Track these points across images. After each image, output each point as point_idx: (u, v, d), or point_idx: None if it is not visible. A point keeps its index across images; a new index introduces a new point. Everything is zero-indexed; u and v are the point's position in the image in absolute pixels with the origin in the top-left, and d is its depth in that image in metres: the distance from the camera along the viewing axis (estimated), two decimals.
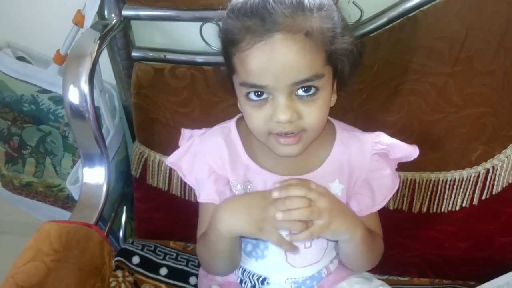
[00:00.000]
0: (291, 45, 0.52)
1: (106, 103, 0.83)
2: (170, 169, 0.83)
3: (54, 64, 0.85)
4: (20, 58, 0.88)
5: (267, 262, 0.66)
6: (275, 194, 0.56)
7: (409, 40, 0.70)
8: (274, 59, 0.52)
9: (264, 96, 0.56)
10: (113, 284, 0.73)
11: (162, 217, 0.87)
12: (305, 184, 0.57)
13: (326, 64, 0.56)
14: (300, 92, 0.55)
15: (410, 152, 0.65)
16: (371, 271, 0.73)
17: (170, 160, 0.70)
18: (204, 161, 0.67)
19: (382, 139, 0.66)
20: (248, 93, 0.57)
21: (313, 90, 0.55)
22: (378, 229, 0.69)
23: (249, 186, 0.66)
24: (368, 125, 0.71)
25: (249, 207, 0.58)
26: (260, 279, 0.67)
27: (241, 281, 0.69)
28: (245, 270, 0.68)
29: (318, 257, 0.67)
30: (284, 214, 0.55)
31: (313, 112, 0.56)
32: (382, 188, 0.66)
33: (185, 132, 0.71)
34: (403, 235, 0.82)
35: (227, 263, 0.66)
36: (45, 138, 0.93)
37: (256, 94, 0.56)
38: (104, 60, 0.79)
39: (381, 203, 0.66)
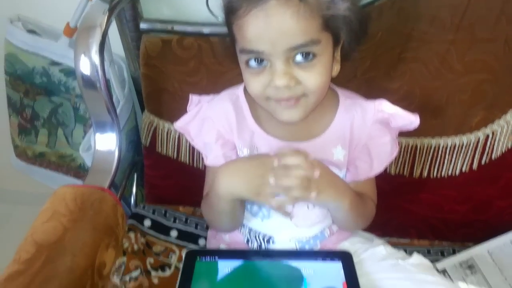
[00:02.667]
0: (285, 11, 0.53)
1: (116, 74, 0.85)
2: (179, 137, 0.86)
3: (64, 37, 0.87)
4: (31, 31, 0.90)
5: (272, 221, 0.69)
6: (275, 162, 0.58)
7: (411, 9, 0.71)
8: (269, 25, 0.54)
9: (263, 63, 0.58)
10: (126, 245, 0.76)
11: (171, 184, 0.91)
12: (300, 154, 0.58)
13: (323, 30, 0.56)
14: (298, 58, 0.56)
15: (411, 121, 0.67)
16: (371, 233, 0.77)
17: (179, 125, 0.72)
18: (212, 126, 0.70)
19: (384, 107, 0.67)
20: (247, 61, 0.58)
21: (310, 56, 0.56)
22: (373, 194, 0.71)
23: (255, 151, 0.68)
24: (371, 92, 0.73)
25: (248, 172, 0.61)
26: (266, 238, 0.71)
27: (247, 241, 0.72)
28: (251, 230, 0.72)
29: (321, 217, 0.70)
30: (276, 180, 0.57)
31: (311, 77, 0.57)
32: (381, 155, 0.68)
33: (194, 98, 0.73)
34: (404, 199, 0.85)
35: (229, 221, 0.69)
36: (57, 109, 0.95)
37: (255, 61, 0.58)
38: (113, 32, 0.81)
39: (378, 169, 0.69)
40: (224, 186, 0.62)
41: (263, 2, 0.54)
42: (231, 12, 0.58)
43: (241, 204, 0.67)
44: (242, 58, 0.59)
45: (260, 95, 0.60)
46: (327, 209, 0.70)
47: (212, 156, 0.70)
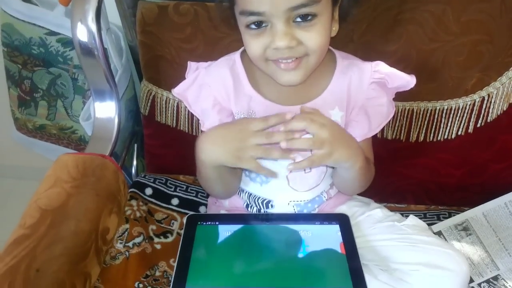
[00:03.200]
0: None
1: (113, 43, 0.85)
2: (178, 105, 0.86)
3: (60, 6, 0.85)
4: (26, 1, 0.89)
5: (271, 186, 0.70)
6: (281, 128, 0.59)
7: None
8: None
9: (264, 25, 0.58)
10: (129, 212, 0.78)
11: (172, 153, 0.91)
12: (306, 117, 0.59)
13: None
14: (298, 19, 0.56)
15: (408, 81, 0.68)
16: (369, 197, 0.78)
17: (177, 91, 0.73)
18: (210, 92, 0.70)
19: (381, 68, 0.68)
20: (248, 23, 0.58)
21: (310, 16, 0.56)
22: (370, 155, 0.72)
23: (253, 117, 0.69)
24: (368, 55, 0.72)
25: (227, 138, 0.62)
26: (265, 202, 0.72)
27: (247, 205, 0.74)
28: (250, 194, 0.73)
29: (318, 181, 0.71)
30: (288, 142, 0.58)
31: (312, 37, 0.58)
32: (378, 115, 0.69)
33: (192, 65, 0.73)
34: (400, 164, 0.86)
35: (221, 187, 0.70)
36: (55, 80, 0.95)
37: (256, 23, 0.58)
38: (109, 0, 0.80)
39: (375, 129, 0.69)
40: (206, 153, 0.63)
41: None
42: None
43: (230, 171, 0.68)
44: (242, 21, 0.59)
45: (259, 57, 0.60)
46: (326, 173, 0.71)
47: (208, 123, 0.70)
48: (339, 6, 0.62)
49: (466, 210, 0.83)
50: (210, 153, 0.63)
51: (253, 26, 0.58)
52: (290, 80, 0.62)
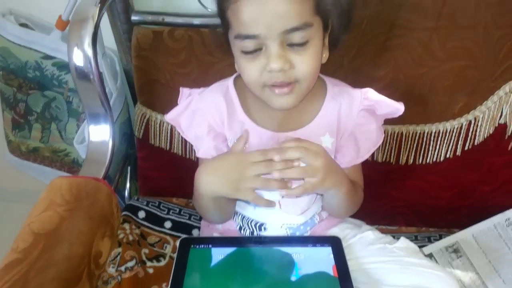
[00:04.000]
0: None
1: (108, 67, 0.86)
2: (171, 129, 0.87)
3: (57, 30, 0.87)
4: (23, 25, 0.90)
5: (264, 209, 0.70)
6: (276, 158, 0.60)
7: None
8: (264, 8, 0.55)
9: (258, 49, 0.59)
10: (121, 235, 0.77)
11: (165, 175, 0.92)
12: (300, 146, 0.60)
13: (315, 14, 0.58)
14: (292, 41, 0.58)
15: (397, 108, 0.69)
16: (361, 220, 0.79)
17: (169, 117, 0.73)
18: (204, 118, 0.71)
19: (371, 95, 0.69)
20: (242, 46, 0.59)
21: (303, 39, 0.58)
22: (360, 180, 0.73)
23: (246, 145, 0.68)
24: (357, 81, 0.74)
25: (226, 169, 0.63)
26: (258, 225, 0.72)
27: (240, 228, 0.74)
28: (244, 217, 0.73)
29: (309, 204, 0.71)
30: (281, 173, 0.60)
31: (304, 61, 0.59)
32: (367, 142, 0.70)
33: (184, 91, 0.74)
34: (391, 186, 0.87)
35: (218, 215, 0.71)
36: (50, 103, 0.96)
37: (251, 47, 0.59)
38: (105, 25, 0.82)
39: (364, 156, 0.70)
40: (205, 185, 0.64)
41: None
42: None
43: (228, 201, 0.68)
44: (237, 45, 0.60)
45: (256, 82, 0.61)
46: (316, 196, 0.72)
47: (203, 149, 0.71)
48: (329, 33, 0.64)
49: (456, 232, 0.84)
50: (209, 184, 0.63)
51: (248, 50, 0.59)
52: (283, 104, 0.63)
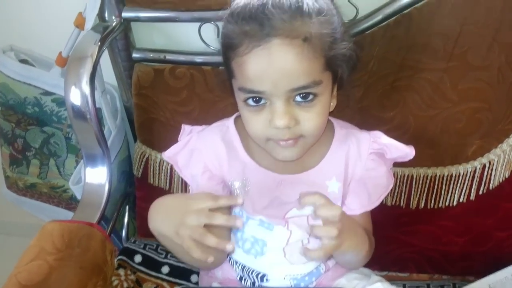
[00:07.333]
0: (288, 51, 0.52)
1: (108, 104, 0.85)
2: (171, 168, 0.84)
3: (57, 67, 0.87)
4: (23, 61, 0.90)
5: (266, 258, 0.67)
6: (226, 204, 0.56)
7: (403, 37, 0.71)
8: (272, 65, 0.53)
9: (262, 101, 0.57)
10: (116, 282, 0.74)
11: None
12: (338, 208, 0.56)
13: (325, 70, 0.56)
14: (298, 98, 0.55)
15: (407, 152, 0.66)
16: (370, 267, 0.74)
17: (168, 155, 0.71)
18: (200, 158, 0.68)
19: (380, 138, 0.66)
20: (246, 99, 0.57)
21: (311, 96, 0.56)
22: (370, 227, 0.70)
23: (248, 187, 0.66)
24: (365, 121, 0.72)
25: (170, 210, 0.58)
26: (260, 275, 0.68)
27: (240, 278, 0.70)
28: (244, 267, 0.69)
29: None
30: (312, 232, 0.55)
31: (311, 118, 0.56)
32: (378, 187, 0.67)
33: (186, 128, 0.72)
34: (401, 231, 0.83)
35: (187, 260, 0.65)
36: (48, 139, 0.94)
37: (254, 99, 0.57)
38: (106, 61, 0.81)
39: (375, 203, 0.67)
40: (151, 222, 0.59)
41: (266, 41, 0.52)
42: (230, 48, 0.56)
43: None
44: (240, 96, 0.58)
45: (261, 136, 0.59)
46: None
47: (198, 189, 0.68)
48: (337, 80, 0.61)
49: (471, 279, 0.80)
50: (154, 222, 0.59)
51: (251, 103, 0.57)
52: (286, 156, 0.60)
